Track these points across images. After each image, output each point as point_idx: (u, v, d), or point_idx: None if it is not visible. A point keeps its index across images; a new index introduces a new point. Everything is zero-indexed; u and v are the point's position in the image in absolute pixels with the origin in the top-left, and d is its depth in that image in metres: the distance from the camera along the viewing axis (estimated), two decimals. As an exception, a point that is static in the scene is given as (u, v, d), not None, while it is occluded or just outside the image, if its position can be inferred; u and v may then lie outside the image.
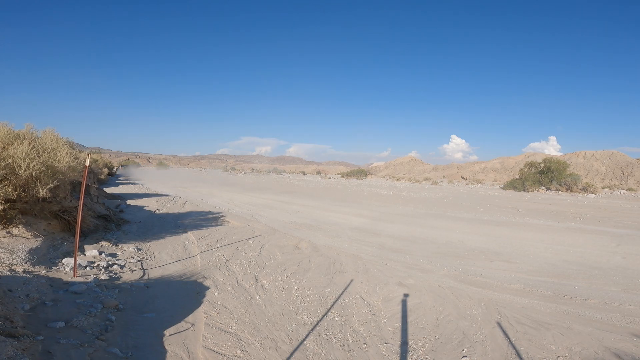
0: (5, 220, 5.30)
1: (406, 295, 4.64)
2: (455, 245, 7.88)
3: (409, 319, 3.97)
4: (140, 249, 6.18)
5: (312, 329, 3.63)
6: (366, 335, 3.58)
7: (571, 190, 27.74)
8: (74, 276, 4.43)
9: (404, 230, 9.54)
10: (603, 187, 32.08)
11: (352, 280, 5.17)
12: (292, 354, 3.16)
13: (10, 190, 5.01)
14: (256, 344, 3.28)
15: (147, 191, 18.72)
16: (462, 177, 49.10)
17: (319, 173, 72.10)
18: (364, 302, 4.41)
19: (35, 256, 4.78)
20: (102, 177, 24.16)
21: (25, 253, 4.71)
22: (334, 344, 3.38)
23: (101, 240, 6.31)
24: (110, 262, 5.19)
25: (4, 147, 5.22)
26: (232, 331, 3.47)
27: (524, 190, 28.94)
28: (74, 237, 5.08)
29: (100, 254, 5.51)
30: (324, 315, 3.96)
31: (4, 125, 5.49)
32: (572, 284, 5.28)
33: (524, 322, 3.91)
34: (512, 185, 31.31)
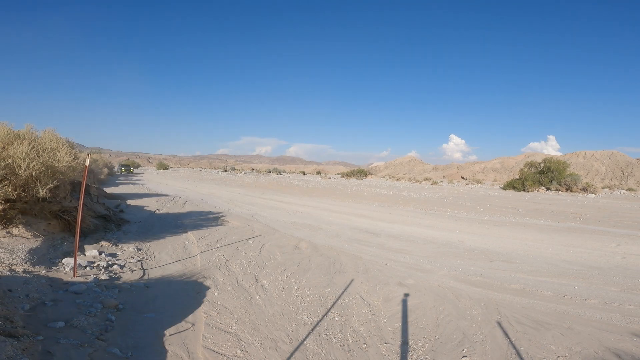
0: (5, 220, 5.29)
1: (406, 295, 4.64)
2: (455, 245, 7.88)
3: (409, 319, 3.97)
4: (140, 249, 6.18)
5: (312, 329, 3.63)
6: (366, 335, 3.58)
7: (571, 190, 27.73)
8: (74, 276, 4.43)
9: (404, 230, 9.54)
10: (603, 187, 32.08)
11: (352, 280, 5.17)
12: (292, 354, 3.16)
13: (10, 190, 5.01)
14: (256, 344, 3.28)
15: (147, 191, 18.71)
16: (462, 177, 49.09)
17: (319, 173, 72.07)
18: (364, 302, 4.41)
19: (35, 256, 4.77)
20: (102, 177, 24.16)
21: (25, 253, 4.71)
22: (334, 344, 3.38)
23: (101, 240, 6.31)
24: (110, 262, 5.19)
25: (4, 147, 5.22)
26: (232, 331, 3.47)
27: (524, 190, 28.93)
28: (74, 237, 5.08)
29: (100, 254, 5.51)
30: (324, 315, 3.96)
31: (4, 125, 5.49)
32: (572, 284, 5.28)
33: (524, 322, 3.91)
34: (512, 185, 31.31)
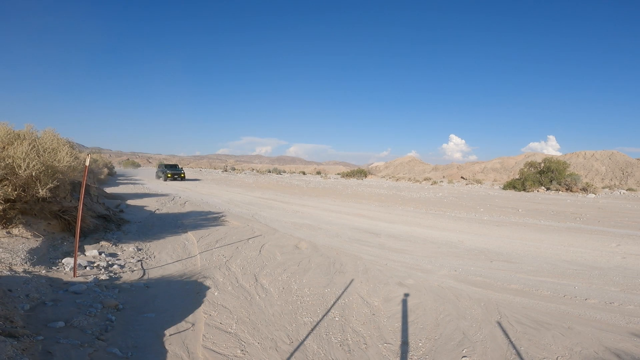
0: (5, 220, 5.29)
1: (406, 295, 4.64)
2: (455, 245, 7.88)
3: (409, 319, 3.97)
4: (140, 249, 6.18)
5: (312, 329, 3.63)
6: (366, 335, 3.58)
7: (571, 190, 27.73)
8: (74, 276, 4.43)
9: (404, 230, 9.54)
10: (603, 187, 32.07)
11: (352, 280, 5.17)
12: (292, 354, 3.16)
13: (10, 190, 5.01)
14: (256, 344, 3.28)
15: (147, 191, 18.71)
16: (462, 177, 49.11)
17: (319, 173, 72.05)
18: (364, 302, 4.41)
19: (35, 256, 4.77)
20: (102, 177, 24.16)
21: (25, 253, 4.71)
22: (334, 344, 3.38)
23: (101, 240, 6.31)
24: (110, 262, 5.19)
25: (4, 147, 5.22)
26: (232, 331, 3.47)
27: (524, 190, 28.93)
28: (74, 237, 5.08)
29: (100, 254, 5.51)
30: (324, 315, 3.96)
31: (4, 125, 5.49)
32: (572, 284, 5.28)
33: (524, 322, 3.91)
34: (512, 185, 31.28)
